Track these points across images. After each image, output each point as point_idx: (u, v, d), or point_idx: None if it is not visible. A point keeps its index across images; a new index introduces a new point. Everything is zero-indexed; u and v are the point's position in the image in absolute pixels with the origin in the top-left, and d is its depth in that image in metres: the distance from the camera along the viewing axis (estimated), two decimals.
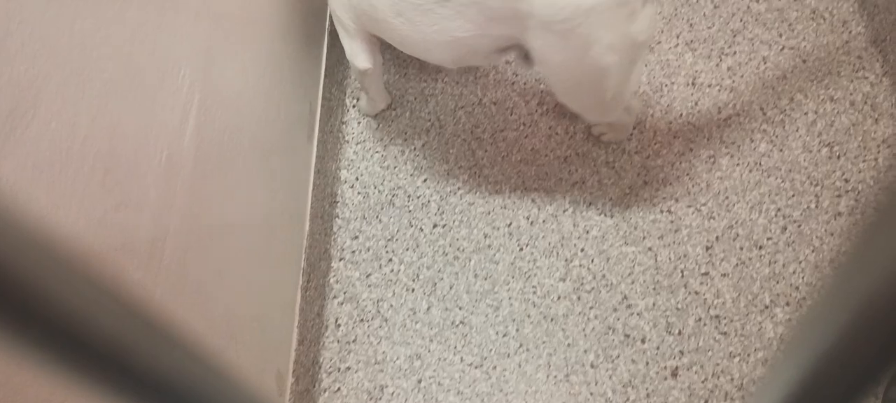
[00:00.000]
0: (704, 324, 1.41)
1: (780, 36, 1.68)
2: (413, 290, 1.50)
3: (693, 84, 1.65)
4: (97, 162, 0.81)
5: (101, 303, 0.28)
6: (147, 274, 0.90)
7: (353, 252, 1.55)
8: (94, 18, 0.82)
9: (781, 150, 1.53)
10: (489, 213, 1.56)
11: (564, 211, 1.54)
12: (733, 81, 1.64)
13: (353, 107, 1.76)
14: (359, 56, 1.42)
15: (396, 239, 1.56)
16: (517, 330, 1.45)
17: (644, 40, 1.15)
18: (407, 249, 1.54)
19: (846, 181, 1.48)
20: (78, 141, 0.78)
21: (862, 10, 1.69)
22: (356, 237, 1.57)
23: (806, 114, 1.57)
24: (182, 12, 1.04)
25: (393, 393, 1.43)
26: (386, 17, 1.22)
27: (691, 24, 1.72)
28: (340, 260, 1.55)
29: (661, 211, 1.51)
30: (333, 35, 1.74)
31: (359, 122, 1.73)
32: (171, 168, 0.97)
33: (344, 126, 1.74)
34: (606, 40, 1.09)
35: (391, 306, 1.49)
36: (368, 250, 1.55)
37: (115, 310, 0.29)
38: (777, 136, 1.55)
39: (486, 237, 1.53)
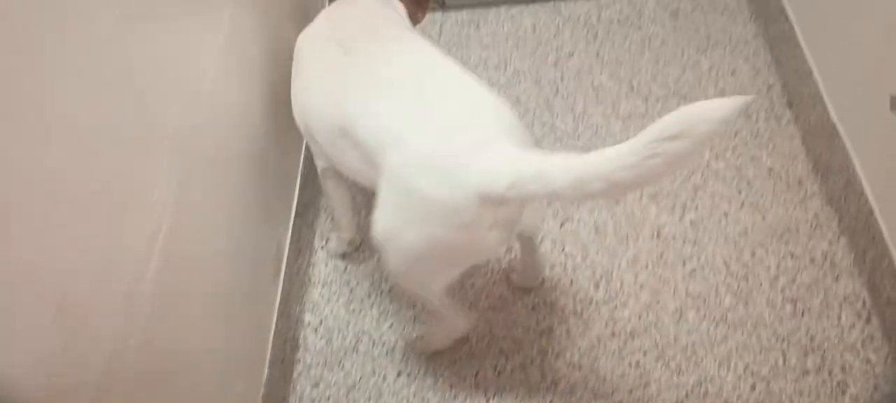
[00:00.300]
0: None
1: (740, 193, 1.74)
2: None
3: (658, 236, 1.68)
4: (52, 296, 0.78)
5: None
6: None
7: (313, 401, 1.49)
8: (65, 150, 0.82)
9: (746, 305, 1.54)
10: (455, 363, 1.52)
11: (532, 362, 1.51)
12: (697, 235, 1.67)
13: (322, 248, 1.75)
14: (318, 156, 1.49)
15: (358, 388, 1.50)
16: None
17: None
18: (369, 399, 1.48)
19: (812, 338, 1.48)
20: (35, 273, 0.75)
21: (815, 171, 1.77)
22: (317, 385, 1.51)
23: (768, 269, 1.60)
24: (156, 149, 1.04)
25: None
26: (322, 141, 1.31)
27: None
28: None
29: (630, 364, 1.48)
30: (306, 177, 1.76)
31: (326, 264, 1.72)
32: (129, 304, 0.93)
33: (311, 267, 1.72)
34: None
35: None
36: (329, 399, 1.49)
37: None
38: (741, 290, 1.57)
39: (451, 387, 1.49)
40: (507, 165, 1.02)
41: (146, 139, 1.01)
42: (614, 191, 0.98)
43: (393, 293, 1.63)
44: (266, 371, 1.41)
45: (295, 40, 1.43)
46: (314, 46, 1.39)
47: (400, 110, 1.13)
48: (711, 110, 0.85)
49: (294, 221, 1.66)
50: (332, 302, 1.65)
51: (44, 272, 0.77)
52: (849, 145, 1.64)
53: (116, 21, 0.93)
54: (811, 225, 1.67)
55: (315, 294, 1.67)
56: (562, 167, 0.97)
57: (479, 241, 1.10)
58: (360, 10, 1.40)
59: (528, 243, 1.52)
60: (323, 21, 1.44)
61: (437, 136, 1.09)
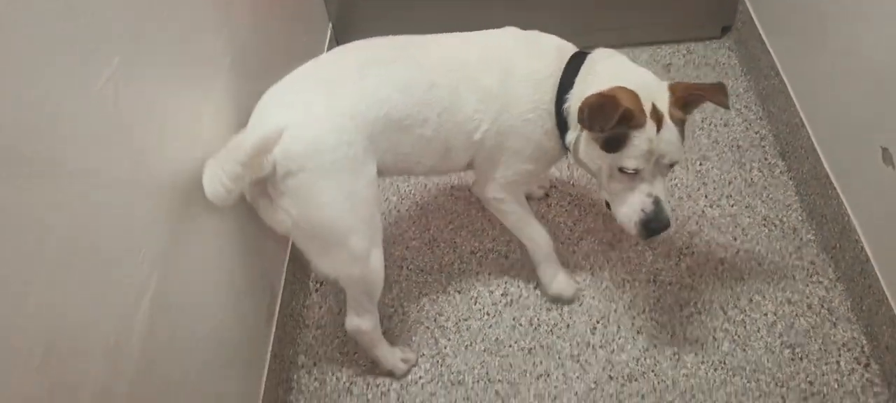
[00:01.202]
0: None
1: (735, 240, 1.75)
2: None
3: (654, 281, 1.67)
4: (38, 341, 0.77)
5: None
6: None
7: None
8: (56, 197, 0.81)
9: (744, 350, 1.53)
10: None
11: None
12: (693, 280, 1.67)
13: (316, 290, 1.74)
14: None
15: None
16: None
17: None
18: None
19: (811, 383, 1.47)
20: (21, 317, 0.74)
21: (810, 219, 1.78)
22: None
23: (765, 315, 1.59)
24: (148, 200, 1.03)
25: None
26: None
27: None
28: None
29: None
30: None
31: (320, 306, 1.70)
32: (118, 352, 0.92)
33: (305, 310, 1.70)
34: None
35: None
36: None
37: None
38: (739, 336, 1.56)
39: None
40: None
41: (139, 191, 1.01)
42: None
43: (387, 336, 1.61)
44: None
45: None
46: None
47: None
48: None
49: (288, 264, 1.65)
50: (326, 345, 1.62)
51: (30, 319, 0.76)
52: (842, 195, 1.65)
53: (111, 73, 0.93)
54: (807, 272, 1.67)
55: (309, 336, 1.65)
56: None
57: None
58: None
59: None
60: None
61: None
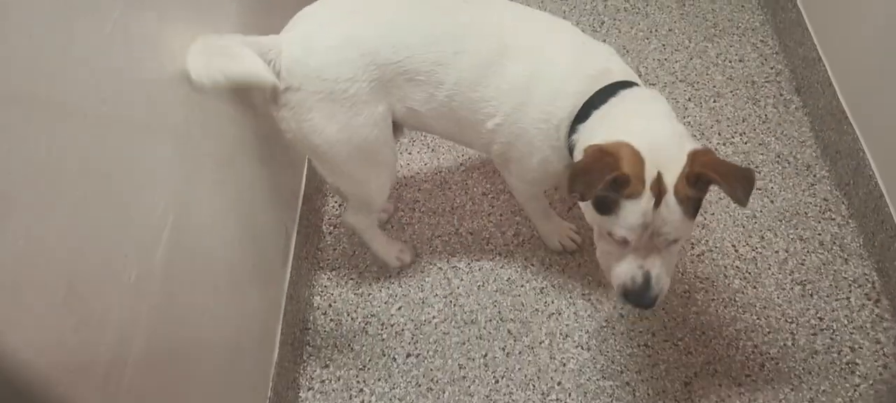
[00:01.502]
0: None
1: None
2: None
3: None
4: (60, 278, 0.79)
5: None
6: (103, 400, 0.85)
7: (323, 381, 1.50)
8: (72, 138, 0.82)
9: (755, 287, 1.54)
10: (464, 344, 1.52)
11: (541, 343, 1.51)
12: (705, 218, 1.67)
13: (330, 234, 1.76)
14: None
15: (368, 369, 1.51)
16: None
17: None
18: (379, 379, 1.49)
19: (820, 319, 1.48)
20: (43, 256, 0.76)
21: (824, 156, 1.76)
22: (327, 366, 1.52)
23: (777, 252, 1.60)
24: (162, 140, 1.04)
25: None
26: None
27: None
28: (309, 390, 1.49)
29: (639, 345, 1.49)
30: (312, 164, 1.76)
31: (334, 249, 1.72)
32: (139, 287, 0.94)
33: (319, 252, 1.72)
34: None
35: None
36: (339, 379, 1.50)
37: None
38: (750, 273, 1.57)
39: (460, 368, 1.49)
40: None
41: (153, 128, 1.02)
42: None
43: (400, 277, 1.64)
44: (276, 352, 1.42)
45: None
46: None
47: None
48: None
49: (302, 207, 1.66)
50: (341, 286, 1.65)
51: (52, 254, 0.77)
52: (858, 130, 1.63)
53: (118, 17, 0.93)
54: (820, 209, 1.66)
55: (324, 278, 1.67)
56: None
57: None
58: None
59: None
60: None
61: None
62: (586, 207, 1.16)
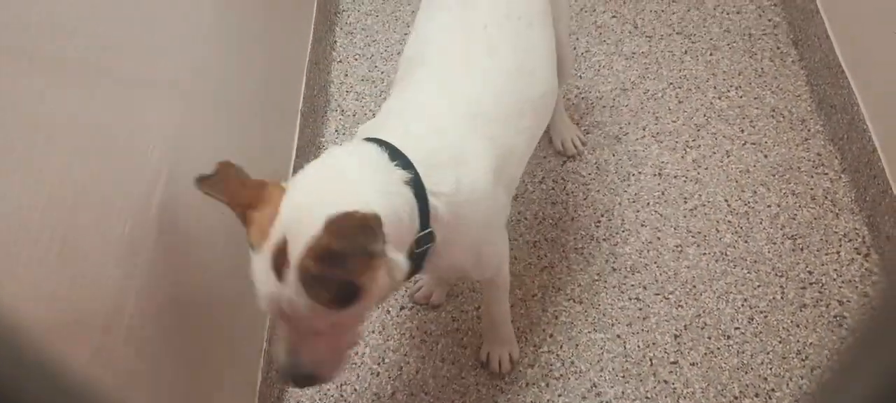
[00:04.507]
0: None
1: (742, 131, 1.74)
2: (378, 374, 1.46)
3: (660, 174, 1.68)
4: (55, 232, 0.79)
5: (45, 391, 0.26)
6: (99, 354, 0.85)
7: None
8: (63, 89, 0.81)
9: (746, 241, 1.56)
10: (457, 297, 1.54)
11: (533, 296, 1.53)
12: (698, 173, 1.67)
13: None
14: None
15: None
16: None
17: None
18: (372, 331, 1.50)
19: (810, 273, 1.50)
20: (37, 209, 0.76)
21: (819, 110, 1.76)
22: None
23: (769, 206, 1.61)
24: (155, 89, 1.04)
25: None
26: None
27: (657, 117, 1.77)
28: None
29: (630, 299, 1.50)
30: (306, 116, 1.75)
31: None
32: (133, 240, 0.94)
33: None
34: None
35: (355, 390, 1.45)
36: None
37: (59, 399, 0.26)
38: (742, 228, 1.58)
39: (453, 320, 1.51)
40: None
41: (145, 80, 1.01)
42: None
43: None
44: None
45: None
46: None
47: None
48: None
49: (295, 161, 1.66)
50: None
51: (45, 208, 0.77)
52: (853, 84, 1.63)
53: None
54: (813, 164, 1.67)
55: None
56: None
57: None
58: None
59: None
60: None
61: None
62: None
